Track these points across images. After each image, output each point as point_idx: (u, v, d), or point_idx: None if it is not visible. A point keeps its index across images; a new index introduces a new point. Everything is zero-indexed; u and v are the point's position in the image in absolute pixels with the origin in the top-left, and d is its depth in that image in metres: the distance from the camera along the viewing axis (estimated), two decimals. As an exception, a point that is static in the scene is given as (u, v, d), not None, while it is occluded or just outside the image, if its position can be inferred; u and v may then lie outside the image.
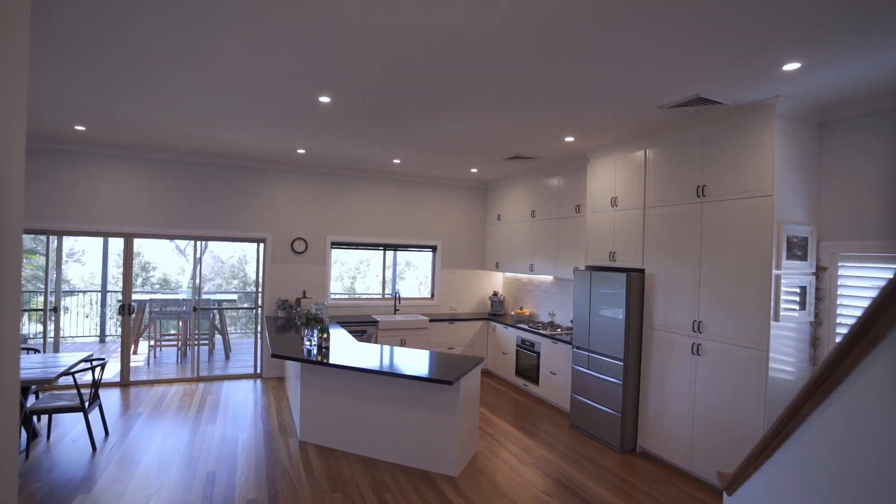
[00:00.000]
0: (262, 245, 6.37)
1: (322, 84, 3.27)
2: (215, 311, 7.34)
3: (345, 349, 4.43)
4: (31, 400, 4.19)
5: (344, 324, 5.99)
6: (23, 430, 3.91)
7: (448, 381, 3.53)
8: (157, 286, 10.08)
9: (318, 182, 6.54)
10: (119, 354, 5.78)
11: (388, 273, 7.20)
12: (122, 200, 5.66)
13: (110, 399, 5.18)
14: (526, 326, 5.94)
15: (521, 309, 6.84)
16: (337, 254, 6.86)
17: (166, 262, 10.36)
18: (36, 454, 3.82)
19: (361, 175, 6.74)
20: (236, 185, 6.14)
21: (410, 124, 4.24)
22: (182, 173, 5.89)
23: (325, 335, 4.38)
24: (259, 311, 6.42)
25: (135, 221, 5.71)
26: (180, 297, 8.35)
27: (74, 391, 4.07)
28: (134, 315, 6.16)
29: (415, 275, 8.59)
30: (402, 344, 6.24)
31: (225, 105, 3.83)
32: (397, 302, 6.87)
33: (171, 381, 5.89)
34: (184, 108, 3.95)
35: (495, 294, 7.20)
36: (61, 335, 7.01)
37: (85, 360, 4.12)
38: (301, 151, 5.55)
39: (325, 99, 3.58)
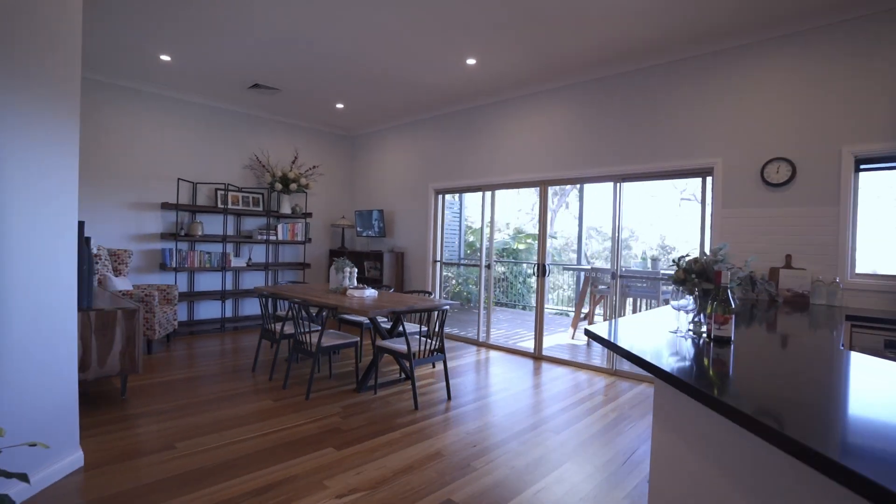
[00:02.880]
0: (708, 179, 3.99)
1: None
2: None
3: (837, 374, 1.75)
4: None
5: (861, 323, 2.71)
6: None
7: None
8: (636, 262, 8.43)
9: (806, 54, 3.42)
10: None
11: None
12: (533, 146, 5.01)
13: (504, 366, 4.56)
14: None
15: None
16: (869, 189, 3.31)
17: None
18: (372, 394, 3.68)
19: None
20: (656, 97, 4.13)
21: None
22: (583, 99, 4.56)
23: (721, 314, 1.79)
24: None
25: (546, 167, 4.92)
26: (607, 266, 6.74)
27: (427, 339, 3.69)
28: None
29: None
30: None
31: None
32: None
33: (581, 367, 4.61)
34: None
35: None
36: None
37: (433, 310, 3.65)
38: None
39: None
